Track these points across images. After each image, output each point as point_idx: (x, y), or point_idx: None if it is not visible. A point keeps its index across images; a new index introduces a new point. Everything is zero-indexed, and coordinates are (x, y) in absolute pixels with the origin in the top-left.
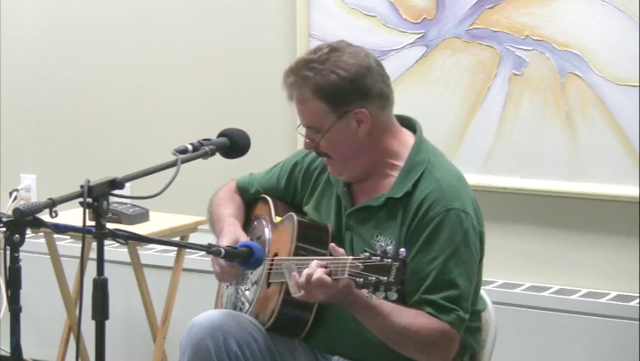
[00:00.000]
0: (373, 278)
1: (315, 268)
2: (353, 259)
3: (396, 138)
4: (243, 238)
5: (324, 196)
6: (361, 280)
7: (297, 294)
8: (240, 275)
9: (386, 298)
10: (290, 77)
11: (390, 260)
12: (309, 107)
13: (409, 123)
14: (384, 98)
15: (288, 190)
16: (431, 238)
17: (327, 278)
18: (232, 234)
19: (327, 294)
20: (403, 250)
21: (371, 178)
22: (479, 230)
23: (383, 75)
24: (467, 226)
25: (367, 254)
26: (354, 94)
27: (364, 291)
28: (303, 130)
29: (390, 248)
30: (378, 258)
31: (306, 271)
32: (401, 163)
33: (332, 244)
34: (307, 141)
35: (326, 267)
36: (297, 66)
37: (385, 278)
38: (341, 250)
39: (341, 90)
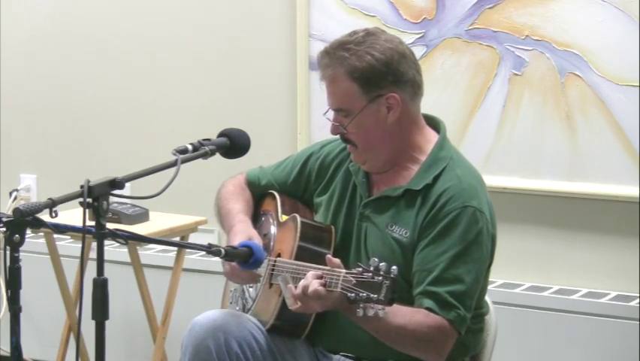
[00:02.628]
0: (364, 295)
1: (310, 280)
2: (346, 273)
3: (422, 133)
4: (256, 237)
5: (339, 189)
6: (353, 295)
7: (293, 306)
8: (251, 279)
9: (376, 315)
10: (324, 58)
11: (381, 278)
12: (341, 88)
13: (433, 123)
14: (416, 86)
15: (301, 181)
16: (444, 232)
17: (323, 290)
18: (244, 233)
19: (323, 305)
20: (394, 267)
21: (391, 170)
22: (492, 233)
23: (416, 63)
24: (481, 226)
25: (360, 269)
26: (388, 78)
27: (355, 306)
28: (330, 115)
29: (382, 265)
30: (370, 274)
31: (302, 283)
32: (423, 157)
33: (328, 256)
34: (335, 124)
35: (321, 277)
36: (333, 47)
37: (375, 296)
38: (336, 261)
39: (375, 72)
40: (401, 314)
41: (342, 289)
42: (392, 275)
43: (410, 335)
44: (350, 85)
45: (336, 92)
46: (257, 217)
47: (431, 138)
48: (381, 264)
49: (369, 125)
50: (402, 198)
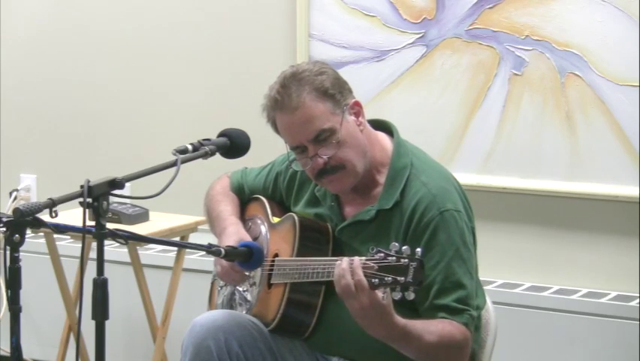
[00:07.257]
0: (389, 278)
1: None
2: (366, 260)
3: (376, 145)
4: (248, 239)
5: (311, 205)
6: (376, 280)
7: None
8: (242, 279)
9: (403, 298)
10: (285, 89)
11: (407, 260)
12: (317, 111)
13: (384, 126)
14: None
15: (275, 198)
16: (430, 243)
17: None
18: (236, 235)
19: (361, 303)
20: (419, 249)
21: (357, 189)
22: (471, 226)
23: None
24: (462, 225)
25: (382, 254)
26: (344, 87)
27: (379, 292)
28: (301, 155)
29: (405, 248)
30: (394, 258)
31: (348, 276)
32: (384, 169)
33: None
34: (321, 157)
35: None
36: (287, 80)
37: (402, 278)
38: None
39: (334, 85)
40: (434, 328)
41: (364, 276)
42: (417, 256)
43: (446, 346)
44: (322, 104)
45: (311, 118)
46: (242, 223)
47: (386, 145)
48: (403, 247)
49: (353, 132)
50: (375, 219)
